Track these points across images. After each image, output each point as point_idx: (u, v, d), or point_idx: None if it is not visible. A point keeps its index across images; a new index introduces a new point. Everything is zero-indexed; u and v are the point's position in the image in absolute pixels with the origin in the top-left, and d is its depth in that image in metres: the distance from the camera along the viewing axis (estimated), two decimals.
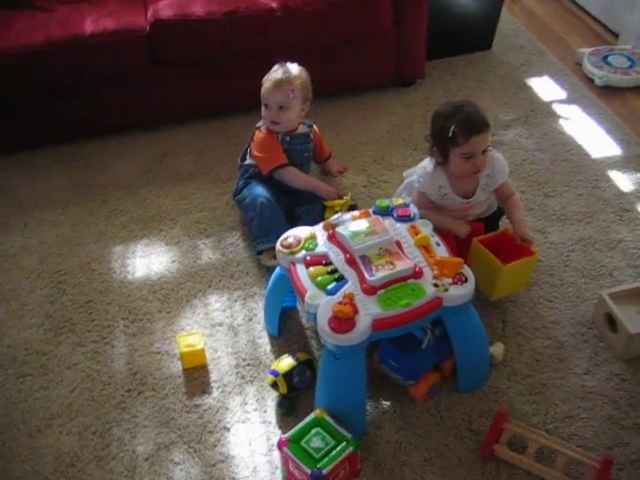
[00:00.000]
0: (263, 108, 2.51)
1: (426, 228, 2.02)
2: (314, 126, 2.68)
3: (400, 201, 2.12)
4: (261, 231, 2.42)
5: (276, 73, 2.48)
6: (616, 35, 3.66)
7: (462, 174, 2.17)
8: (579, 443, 1.88)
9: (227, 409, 2.03)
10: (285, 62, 2.51)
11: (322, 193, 2.53)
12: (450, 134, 2.08)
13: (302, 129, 2.60)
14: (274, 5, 2.89)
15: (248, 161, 2.60)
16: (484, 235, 2.23)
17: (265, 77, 2.50)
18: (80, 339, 2.25)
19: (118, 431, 1.99)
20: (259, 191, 2.48)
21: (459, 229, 2.19)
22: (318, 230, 2.04)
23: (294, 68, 2.50)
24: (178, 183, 2.85)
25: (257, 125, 2.59)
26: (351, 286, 1.84)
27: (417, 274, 1.86)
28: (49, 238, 2.63)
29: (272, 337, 2.22)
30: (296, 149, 2.57)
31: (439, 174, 2.20)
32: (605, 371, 2.07)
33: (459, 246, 2.15)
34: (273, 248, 2.32)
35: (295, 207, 2.54)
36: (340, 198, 2.52)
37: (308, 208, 2.51)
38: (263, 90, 2.48)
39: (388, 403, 2.01)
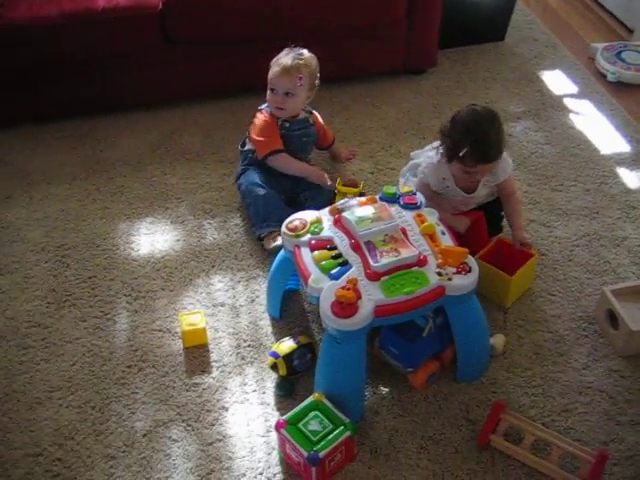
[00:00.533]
0: (269, 92, 2.49)
1: (432, 217, 2.02)
2: (315, 112, 2.66)
3: (407, 189, 2.12)
4: (258, 217, 2.43)
5: (286, 58, 2.45)
6: (631, 31, 3.63)
7: (459, 180, 2.19)
8: (575, 437, 1.89)
9: (226, 389, 2.04)
10: (295, 46, 2.49)
11: (314, 179, 2.52)
12: (460, 154, 2.07)
13: (302, 115, 2.58)
14: None
15: (247, 147, 2.59)
16: (483, 250, 2.24)
17: (274, 60, 2.47)
18: (82, 314, 2.26)
19: (117, 406, 2.00)
20: (255, 178, 2.49)
21: (458, 224, 2.20)
22: (324, 214, 2.04)
23: (304, 55, 2.47)
24: (185, 162, 2.85)
25: (260, 107, 2.58)
26: (355, 271, 1.84)
27: (421, 262, 1.86)
28: (54, 212, 2.64)
29: (274, 319, 2.22)
30: (295, 134, 2.55)
31: (443, 166, 2.20)
32: (604, 367, 2.07)
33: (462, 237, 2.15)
34: (272, 232, 2.34)
35: (299, 192, 2.54)
36: (355, 186, 2.53)
37: (312, 194, 2.51)
38: (271, 74, 2.46)
39: (387, 389, 2.02)
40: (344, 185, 2.53)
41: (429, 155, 2.27)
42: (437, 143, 2.25)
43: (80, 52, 2.86)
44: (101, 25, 2.80)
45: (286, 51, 2.48)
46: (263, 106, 2.57)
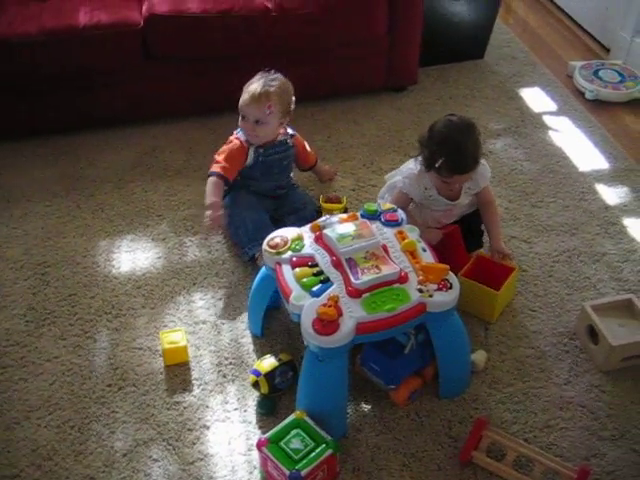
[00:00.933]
0: (240, 118, 2.43)
1: (413, 233, 2.03)
2: (297, 135, 2.60)
3: (388, 206, 2.13)
4: (248, 237, 2.41)
5: (256, 85, 2.37)
6: (607, 50, 3.69)
7: (439, 189, 2.21)
8: (557, 453, 1.89)
9: (207, 407, 2.02)
10: (269, 70, 2.42)
11: (205, 212, 2.35)
12: (436, 165, 2.09)
13: (280, 137, 2.51)
14: (269, 5, 2.89)
15: None
16: (465, 267, 2.24)
17: (246, 85, 2.40)
18: (62, 332, 2.24)
19: (97, 426, 1.98)
20: (240, 199, 2.47)
21: (430, 235, 2.20)
22: (305, 231, 2.05)
23: (275, 81, 2.39)
24: (167, 179, 2.84)
25: (235, 131, 2.51)
26: (336, 288, 1.84)
27: (402, 279, 1.86)
28: (34, 229, 2.62)
29: (255, 337, 2.21)
30: (273, 159, 2.49)
31: (424, 176, 2.21)
32: (585, 382, 2.08)
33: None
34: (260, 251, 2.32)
35: (283, 214, 2.53)
36: (339, 202, 2.53)
37: (297, 218, 2.48)
38: (241, 101, 2.39)
39: (369, 406, 2.02)
40: (326, 202, 2.54)
41: (409, 167, 2.28)
42: (412, 160, 2.27)
43: (61, 69, 2.85)
44: (82, 42, 2.79)
45: (259, 76, 2.41)
46: (238, 130, 2.50)
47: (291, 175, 2.63)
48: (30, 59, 2.78)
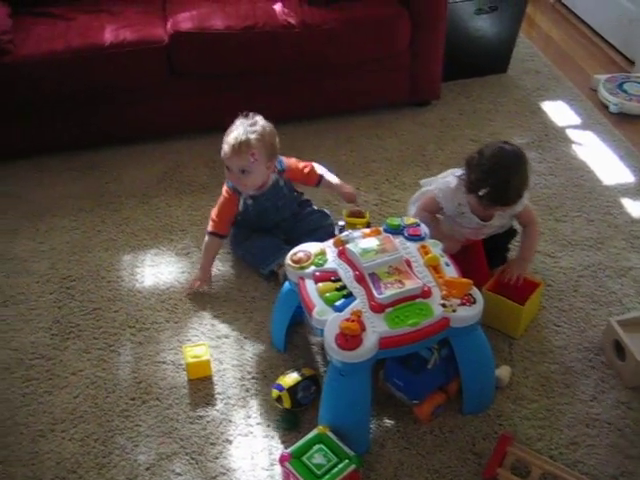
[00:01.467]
0: (225, 169, 2.34)
1: (436, 248, 2.02)
2: (286, 165, 2.45)
3: (411, 220, 2.12)
4: (256, 261, 2.44)
5: (235, 134, 2.26)
6: (632, 62, 3.66)
7: (474, 209, 2.19)
8: (583, 470, 1.86)
9: (230, 422, 2.02)
10: (247, 115, 2.31)
11: (194, 277, 2.43)
12: (480, 193, 2.07)
13: (270, 181, 2.40)
14: (292, 21, 2.92)
15: None
16: (489, 282, 2.23)
17: (225, 134, 2.30)
18: (86, 345, 2.26)
19: (120, 439, 1.99)
20: (241, 234, 2.49)
21: (449, 244, 2.16)
22: (328, 246, 2.05)
23: (255, 126, 2.28)
24: (190, 194, 2.87)
25: (225, 181, 2.44)
26: (359, 303, 1.84)
27: (426, 293, 1.86)
28: (60, 244, 2.65)
29: (278, 351, 2.21)
30: (265, 206, 2.43)
31: (460, 193, 2.18)
32: (612, 398, 2.05)
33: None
34: (280, 264, 2.32)
35: (299, 238, 2.37)
36: (362, 216, 2.53)
37: (313, 240, 2.28)
38: (222, 153, 2.29)
39: (392, 422, 2.01)
40: (350, 216, 2.54)
41: (446, 180, 2.25)
42: (452, 171, 2.26)
43: (87, 86, 2.90)
44: (108, 60, 2.83)
45: (238, 122, 2.30)
46: (227, 180, 2.43)
47: (300, 198, 2.58)
48: (56, 77, 2.84)
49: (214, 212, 2.43)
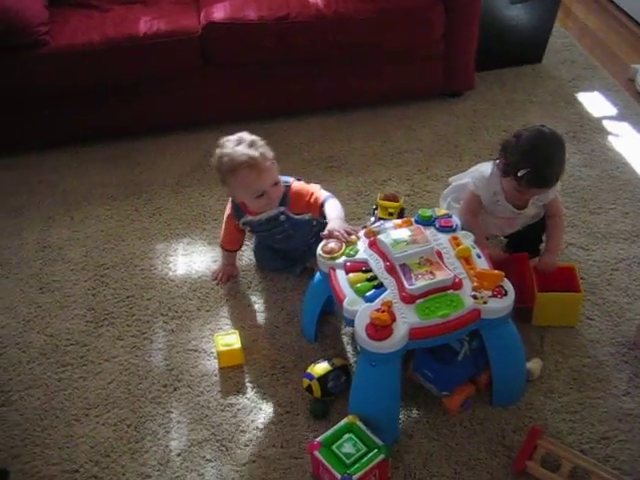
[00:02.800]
0: (254, 200, 2.16)
1: (467, 240, 2.01)
2: (289, 200, 2.23)
3: (443, 211, 2.12)
4: (283, 265, 2.46)
5: (241, 156, 2.07)
6: None
7: (509, 196, 2.17)
8: (615, 466, 1.85)
9: (261, 410, 2.04)
10: (229, 138, 2.16)
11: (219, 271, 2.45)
12: (519, 174, 2.05)
13: (272, 211, 2.23)
14: (326, 12, 2.91)
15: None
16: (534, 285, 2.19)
17: (228, 166, 2.09)
18: (120, 332, 2.30)
19: (153, 425, 2.02)
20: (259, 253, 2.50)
21: (492, 252, 2.13)
22: (360, 236, 2.05)
23: (252, 138, 2.15)
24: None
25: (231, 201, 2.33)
26: (390, 294, 1.84)
27: (457, 285, 1.85)
28: (94, 232, 2.69)
29: (309, 341, 2.22)
30: (263, 235, 2.37)
31: (495, 180, 2.18)
32: None
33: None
34: (306, 266, 2.37)
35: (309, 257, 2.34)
36: (396, 200, 2.52)
37: None
38: (248, 181, 2.09)
39: (421, 412, 2.01)
40: (384, 199, 2.53)
41: (480, 170, 2.25)
42: (480, 165, 2.25)
43: (121, 76, 2.93)
44: (142, 50, 2.86)
45: (232, 145, 2.12)
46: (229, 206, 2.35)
47: (319, 228, 2.25)
48: (92, 67, 2.87)
49: (224, 226, 2.40)
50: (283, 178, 2.23)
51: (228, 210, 2.36)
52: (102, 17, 2.96)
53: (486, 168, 2.22)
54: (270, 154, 2.14)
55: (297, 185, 2.26)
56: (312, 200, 2.22)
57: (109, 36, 2.85)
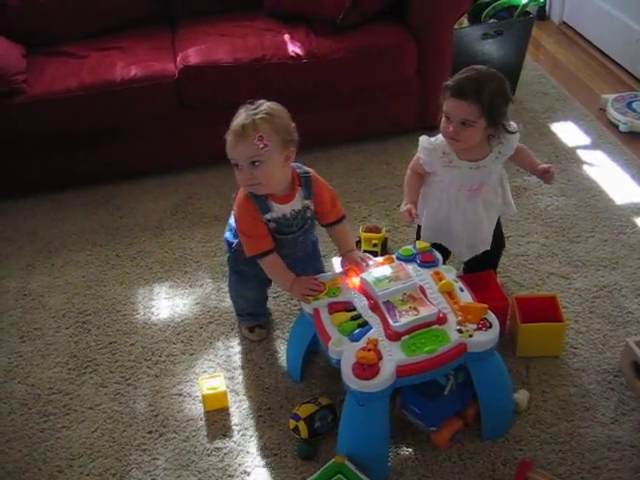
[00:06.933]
0: (235, 171, 1.96)
1: (450, 274, 2.02)
2: (314, 192, 2.04)
3: (423, 245, 2.12)
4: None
5: (237, 120, 1.89)
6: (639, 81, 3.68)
7: (443, 134, 2.10)
8: None
9: (248, 453, 2.02)
10: (253, 101, 1.94)
11: (294, 295, 2.07)
12: (443, 85, 2.06)
13: (297, 202, 2.02)
14: (300, 52, 2.95)
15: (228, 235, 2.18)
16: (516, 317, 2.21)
17: (230, 125, 1.93)
18: (103, 379, 2.26)
19: (138, 473, 1.99)
20: (243, 292, 2.29)
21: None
22: (342, 276, 2.05)
23: (261, 106, 1.91)
24: (203, 226, 2.88)
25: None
26: (375, 332, 1.83)
27: (441, 320, 1.85)
28: (75, 278, 2.67)
29: (294, 381, 2.21)
30: (290, 238, 2.06)
31: (440, 142, 2.14)
32: (633, 420, 2.03)
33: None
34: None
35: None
36: (378, 232, 2.52)
37: None
38: (227, 146, 1.91)
39: (410, 449, 1.99)
40: (366, 231, 2.54)
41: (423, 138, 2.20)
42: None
43: (99, 122, 2.94)
44: (120, 95, 2.88)
45: (242, 109, 1.93)
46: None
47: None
48: (70, 114, 2.88)
49: (244, 231, 2.02)
50: (303, 168, 2.04)
51: (242, 200, 2.02)
52: (79, 64, 2.97)
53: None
54: (267, 128, 1.86)
55: (321, 179, 2.06)
56: (338, 205, 2.09)
57: (86, 83, 2.87)
